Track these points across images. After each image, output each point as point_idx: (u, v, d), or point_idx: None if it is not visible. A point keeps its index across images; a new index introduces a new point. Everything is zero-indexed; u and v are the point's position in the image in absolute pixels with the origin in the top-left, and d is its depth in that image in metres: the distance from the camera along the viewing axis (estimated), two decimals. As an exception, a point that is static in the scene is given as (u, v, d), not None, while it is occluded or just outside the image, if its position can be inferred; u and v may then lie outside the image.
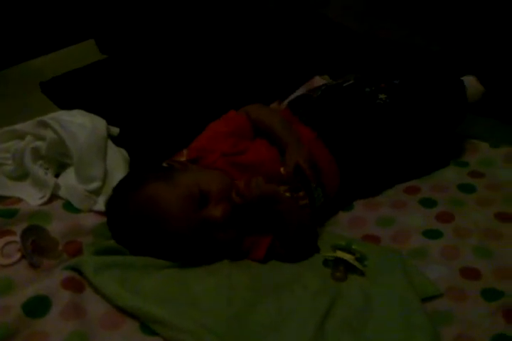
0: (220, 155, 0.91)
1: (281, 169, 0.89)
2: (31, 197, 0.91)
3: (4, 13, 1.49)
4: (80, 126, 0.96)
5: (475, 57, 1.42)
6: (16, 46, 1.49)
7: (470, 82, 1.10)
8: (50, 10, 1.55)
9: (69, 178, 0.94)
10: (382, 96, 1.01)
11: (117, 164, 0.96)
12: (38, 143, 0.95)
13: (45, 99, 1.23)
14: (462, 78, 1.10)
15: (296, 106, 1.06)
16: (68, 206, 0.91)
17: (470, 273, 0.83)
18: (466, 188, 1.02)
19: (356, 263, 0.82)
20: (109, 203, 0.87)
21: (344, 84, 1.05)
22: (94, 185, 0.92)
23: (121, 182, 0.88)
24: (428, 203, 0.99)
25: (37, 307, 0.71)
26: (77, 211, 0.90)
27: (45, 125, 0.94)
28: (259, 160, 0.91)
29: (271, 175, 0.89)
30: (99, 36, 1.51)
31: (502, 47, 1.42)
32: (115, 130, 1.02)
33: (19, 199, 0.91)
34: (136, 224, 0.81)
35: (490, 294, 0.80)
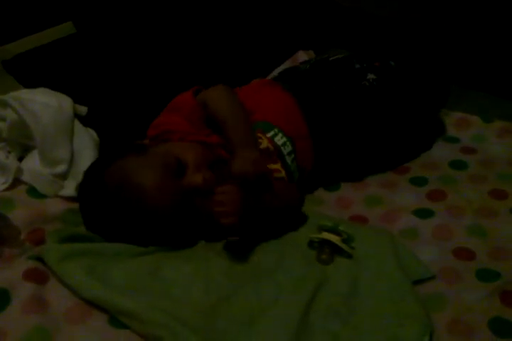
0: (185, 134, 0.85)
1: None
2: (-8, 182, 0.85)
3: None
4: (44, 105, 0.89)
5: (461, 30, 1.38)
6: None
7: None
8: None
9: (33, 162, 0.87)
10: (370, 76, 0.95)
11: (85, 145, 0.90)
12: (-1, 125, 0.88)
13: (15, 83, 1.15)
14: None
15: (282, 76, 1.01)
16: (32, 191, 0.85)
17: (464, 254, 0.79)
18: (458, 165, 0.99)
19: (343, 245, 0.77)
20: (80, 186, 0.82)
21: (331, 58, 1.00)
22: (60, 168, 0.86)
23: (93, 164, 0.83)
24: (419, 181, 0.95)
25: (-5, 301, 0.66)
26: (42, 197, 0.84)
27: (4, 104, 0.88)
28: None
29: None
30: (77, 18, 1.43)
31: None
32: (83, 109, 0.96)
33: (-21, 185, 0.85)
34: (112, 203, 0.75)
35: (485, 275, 0.76)
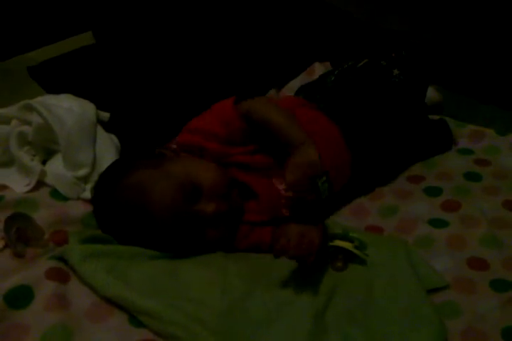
0: (217, 154, 0.85)
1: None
2: (17, 184, 0.87)
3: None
4: (68, 110, 0.92)
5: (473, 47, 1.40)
6: (12, 39, 1.46)
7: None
8: (46, 1, 1.51)
9: (56, 165, 0.90)
10: (395, 72, 0.97)
11: (107, 150, 0.92)
12: (24, 128, 0.91)
13: (39, 90, 1.19)
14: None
15: (312, 93, 1.02)
16: (55, 194, 0.87)
17: (478, 264, 0.80)
18: (473, 176, 0.99)
19: (356, 251, 0.78)
20: (95, 190, 0.83)
21: (358, 65, 1.01)
22: (83, 171, 0.88)
23: (108, 168, 0.84)
24: (433, 192, 0.96)
25: (19, 297, 0.67)
26: (65, 199, 0.86)
27: (30, 109, 0.90)
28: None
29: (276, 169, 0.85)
30: (96, 28, 1.47)
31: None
32: (105, 115, 0.98)
33: (4, 186, 0.87)
34: (122, 212, 0.77)
35: (499, 285, 0.76)
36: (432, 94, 1.12)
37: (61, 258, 0.74)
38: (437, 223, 0.87)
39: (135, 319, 0.68)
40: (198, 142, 0.85)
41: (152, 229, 0.76)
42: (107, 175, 0.83)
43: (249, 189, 0.84)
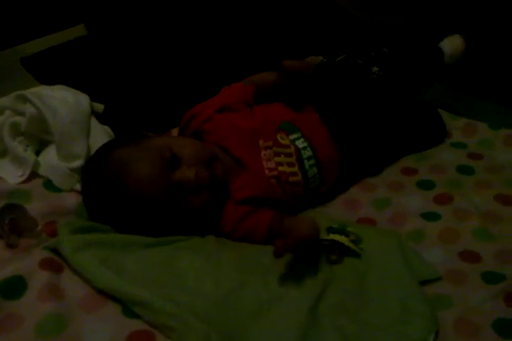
0: (214, 111, 0.90)
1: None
2: (10, 174, 0.87)
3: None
4: (62, 101, 0.91)
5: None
6: (4, 32, 1.44)
7: (453, 40, 1.09)
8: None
9: (50, 156, 0.89)
10: (374, 69, 0.98)
11: (101, 142, 0.91)
12: (18, 119, 0.90)
13: (33, 81, 1.18)
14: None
15: None
16: (49, 185, 0.87)
17: (470, 256, 0.80)
18: (465, 170, 0.99)
19: (351, 245, 0.78)
20: (82, 180, 0.84)
21: (337, 59, 1.03)
22: (77, 163, 0.88)
23: (92, 156, 0.85)
24: (426, 185, 0.96)
25: (12, 288, 0.67)
26: (58, 190, 0.86)
27: (24, 99, 0.90)
28: (254, 122, 0.89)
29: (266, 139, 0.86)
30: (89, 21, 1.46)
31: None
32: (99, 107, 0.98)
33: (-3, 177, 0.86)
34: (109, 192, 0.77)
35: (490, 277, 0.77)
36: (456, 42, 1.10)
37: (54, 250, 0.74)
38: (430, 216, 0.88)
39: (129, 309, 0.68)
40: (215, 100, 0.94)
41: (137, 203, 0.76)
42: (89, 162, 0.85)
43: (240, 162, 0.85)
